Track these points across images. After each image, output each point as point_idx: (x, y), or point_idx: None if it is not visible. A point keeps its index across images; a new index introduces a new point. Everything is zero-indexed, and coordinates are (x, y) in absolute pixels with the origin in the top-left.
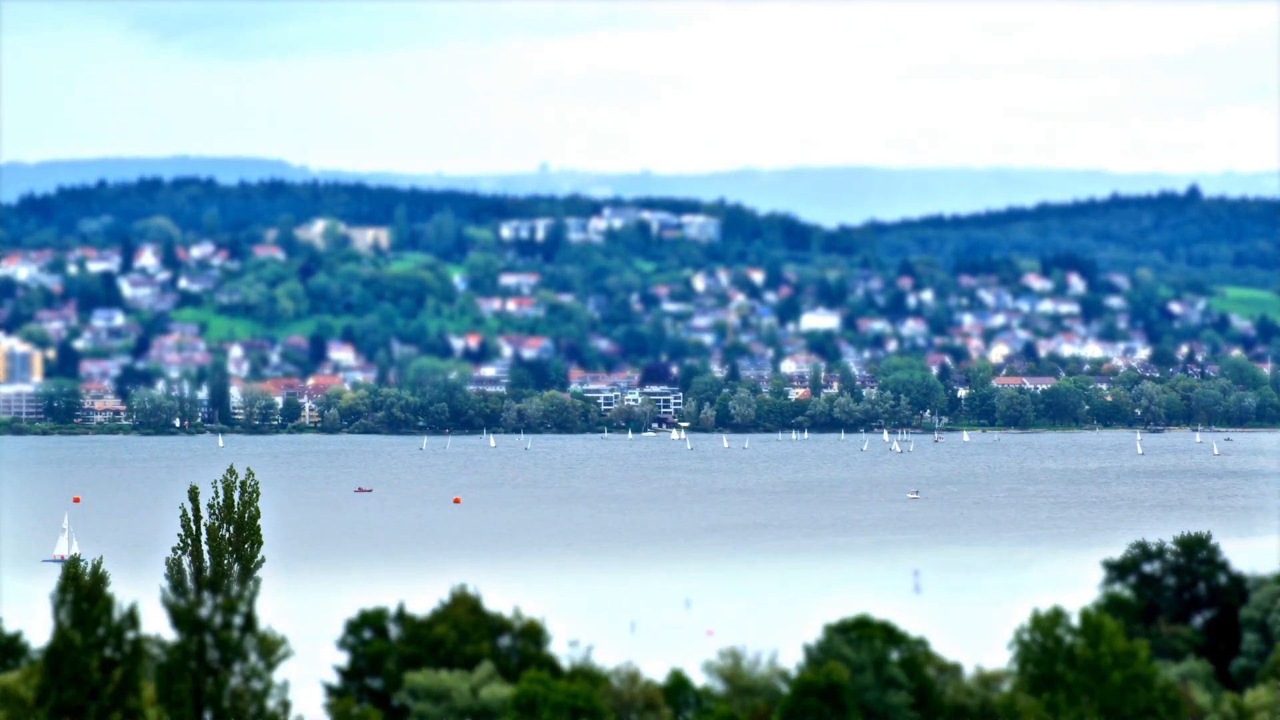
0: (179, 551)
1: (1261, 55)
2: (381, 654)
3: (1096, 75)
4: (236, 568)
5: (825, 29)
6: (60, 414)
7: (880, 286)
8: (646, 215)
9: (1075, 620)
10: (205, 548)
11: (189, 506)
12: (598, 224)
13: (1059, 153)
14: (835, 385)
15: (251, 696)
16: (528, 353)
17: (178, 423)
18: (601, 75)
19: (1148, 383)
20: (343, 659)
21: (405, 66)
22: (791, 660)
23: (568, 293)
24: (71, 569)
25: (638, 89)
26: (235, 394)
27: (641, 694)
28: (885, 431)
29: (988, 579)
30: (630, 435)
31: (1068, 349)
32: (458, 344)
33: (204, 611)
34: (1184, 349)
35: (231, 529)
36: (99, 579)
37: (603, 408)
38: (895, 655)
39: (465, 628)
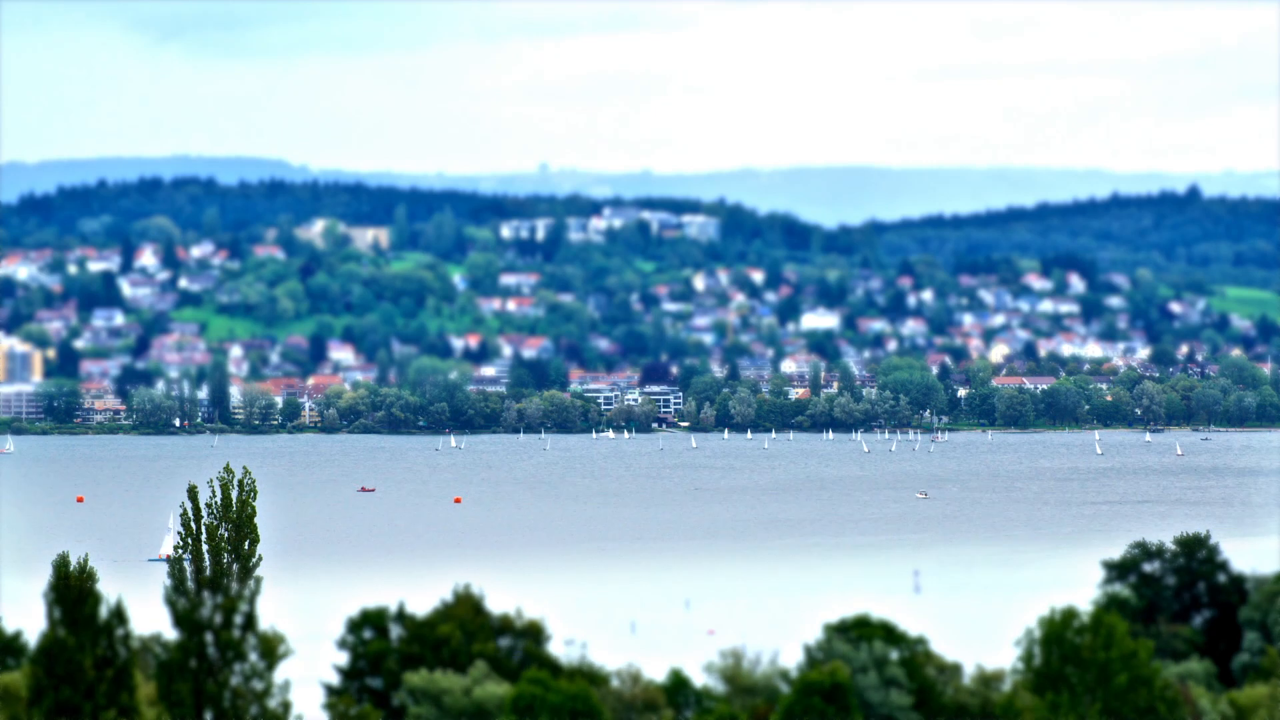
0: (179, 551)
1: (1262, 56)
2: (382, 654)
3: (1096, 75)
4: (235, 566)
5: (825, 29)
6: (60, 414)
7: (880, 286)
8: (646, 215)
9: (1084, 619)
10: (205, 547)
11: (189, 506)
12: (598, 224)
13: (1059, 153)
14: (835, 385)
15: (252, 696)
16: (528, 353)
17: (178, 423)
18: (601, 75)
19: (1148, 383)
20: (343, 659)
21: (405, 67)
22: (792, 660)
23: (568, 293)
24: (62, 568)
25: (638, 89)
26: (235, 394)
27: (642, 694)
28: (886, 431)
29: (988, 579)
30: (625, 434)
31: (1068, 349)
32: (458, 344)
33: (204, 611)
34: (1184, 349)
35: (230, 528)
36: (87, 577)
37: (603, 408)
38: (895, 655)
39: (469, 628)
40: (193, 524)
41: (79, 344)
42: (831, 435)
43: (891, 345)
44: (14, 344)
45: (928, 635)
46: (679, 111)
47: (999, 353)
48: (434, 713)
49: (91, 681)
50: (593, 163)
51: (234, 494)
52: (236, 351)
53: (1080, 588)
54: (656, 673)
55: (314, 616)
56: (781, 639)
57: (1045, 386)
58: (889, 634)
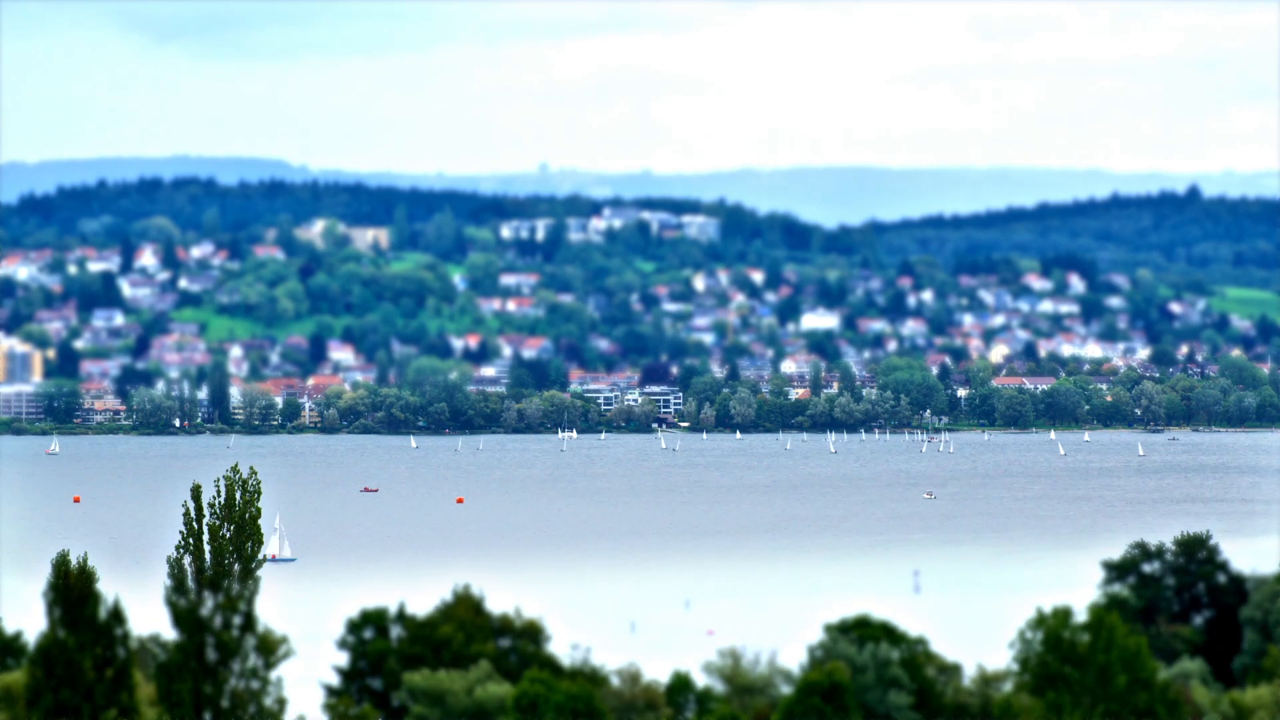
0: (181, 550)
1: (1262, 56)
2: (383, 654)
3: (1097, 75)
4: (237, 567)
5: (826, 30)
6: (60, 414)
7: (880, 286)
8: (646, 215)
9: (1081, 619)
10: (207, 546)
11: (191, 505)
12: (598, 224)
13: (1059, 153)
14: (835, 385)
15: (250, 696)
16: (528, 353)
17: (178, 423)
18: (602, 75)
19: (1148, 383)
20: (343, 659)
21: (405, 67)
22: (792, 660)
23: (568, 293)
24: (61, 567)
25: (638, 89)
26: (235, 394)
27: (642, 694)
28: (888, 431)
29: (988, 579)
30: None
31: (1068, 349)
32: (458, 344)
33: (204, 611)
34: (1184, 349)
35: (232, 528)
36: (87, 577)
37: (603, 408)
38: (895, 655)
39: (469, 629)
40: (194, 523)
41: (79, 344)
42: (848, 436)
43: (891, 345)
44: (14, 344)
45: (928, 635)
46: (679, 111)
47: (999, 353)
48: (435, 713)
49: (91, 682)
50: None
51: (237, 494)
52: (236, 352)
53: (1080, 588)
54: (656, 673)
55: (314, 616)
56: (781, 639)
57: (1045, 387)
58: (889, 634)
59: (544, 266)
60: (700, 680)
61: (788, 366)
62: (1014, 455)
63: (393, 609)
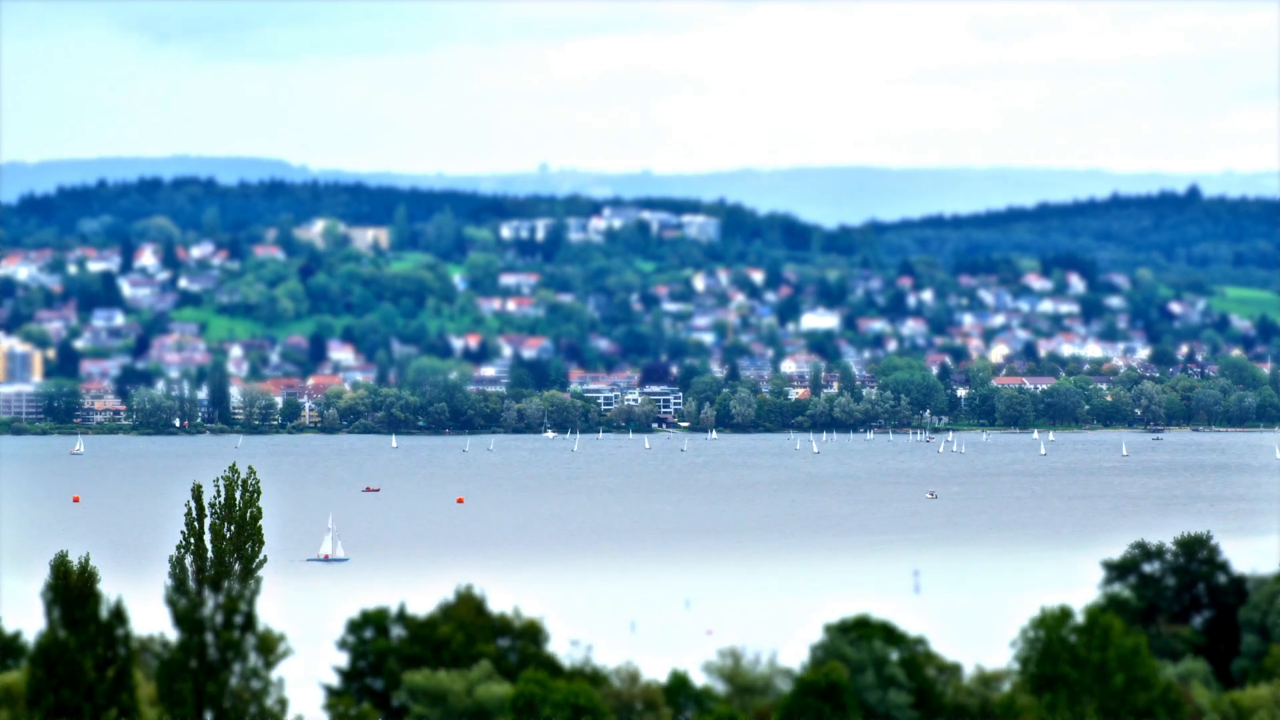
0: (182, 550)
1: (1262, 56)
2: (383, 654)
3: (1097, 75)
4: (238, 566)
5: (826, 30)
6: (60, 414)
7: (880, 286)
8: (646, 215)
9: (1080, 619)
10: (209, 546)
11: (192, 505)
12: (598, 224)
13: (1059, 153)
14: (835, 385)
15: (251, 696)
16: (528, 353)
17: (178, 423)
18: (602, 76)
19: (1148, 383)
20: (343, 659)
21: (405, 67)
22: (792, 660)
23: (568, 293)
24: (60, 568)
25: (638, 89)
26: (235, 394)
27: (642, 694)
28: (890, 431)
29: (988, 579)
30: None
31: (1068, 349)
32: (458, 344)
33: (205, 611)
34: (1184, 349)
35: (233, 528)
36: (88, 576)
37: (603, 408)
38: (895, 655)
39: (469, 629)
40: (195, 523)
41: (79, 344)
42: (870, 435)
43: (891, 345)
44: (14, 344)
45: (928, 635)
46: (679, 111)
47: (999, 353)
48: (435, 713)
49: (91, 682)
50: (593, 163)
51: (237, 494)
52: (236, 351)
53: (1080, 588)
54: (656, 673)
55: (314, 616)
56: (781, 639)
57: (1045, 387)
58: (889, 634)
59: (544, 266)
60: (700, 680)
61: (788, 366)
62: (997, 456)
63: (393, 609)
